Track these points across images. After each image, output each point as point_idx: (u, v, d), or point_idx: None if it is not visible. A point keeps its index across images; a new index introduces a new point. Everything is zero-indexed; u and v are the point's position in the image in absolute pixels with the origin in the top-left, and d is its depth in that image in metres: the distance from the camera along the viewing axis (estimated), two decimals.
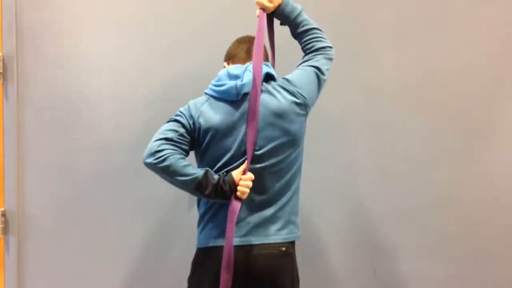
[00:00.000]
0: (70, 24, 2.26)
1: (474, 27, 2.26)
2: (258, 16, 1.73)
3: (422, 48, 2.27)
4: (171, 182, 1.61)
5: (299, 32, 1.78)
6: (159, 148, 1.59)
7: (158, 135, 1.63)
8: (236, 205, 1.60)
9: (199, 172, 1.59)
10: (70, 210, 2.26)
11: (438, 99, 2.27)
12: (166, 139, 1.61)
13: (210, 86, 1.72)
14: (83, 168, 2.26)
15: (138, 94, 2.26)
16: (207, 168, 1.62)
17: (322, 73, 1.74)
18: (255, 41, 1.68)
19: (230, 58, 1.79)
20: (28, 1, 2.26)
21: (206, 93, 1.72)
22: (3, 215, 2.25)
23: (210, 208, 1.68)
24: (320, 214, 2.25)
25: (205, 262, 1.65)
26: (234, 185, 1.59)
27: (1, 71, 2.24)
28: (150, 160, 1.59)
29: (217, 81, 1.70)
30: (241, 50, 1.77)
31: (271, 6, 1.73)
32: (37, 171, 2.26)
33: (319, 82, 1.73)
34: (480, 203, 2.27)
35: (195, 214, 1.78)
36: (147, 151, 1.61)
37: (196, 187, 1.58)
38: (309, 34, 1.77)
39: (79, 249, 2.26)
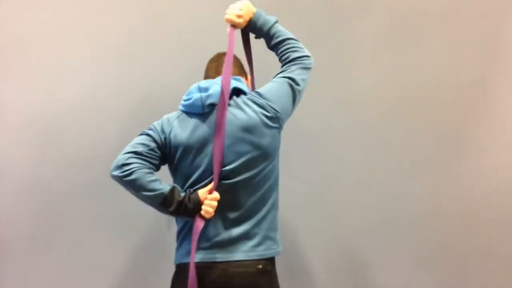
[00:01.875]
0: (44, 37, 2.24)
1: (451, 40, 2.29)
2: (228, 33, 1.72)
3: (400, 61, 2.28)
4: (137, 196, 1.60)
5: (273, 44, 1.76)
6: (127, 162, 1.58)
7: (127, 148, 1.62)
8: (199, 224, 1.58)
9: (166, 188, 1.58)
10: (46, 229, 2.22)
11: (416, 111, 2.28)
12: (135, 152, 1.60)
13: (182, 100, 1.71)
14: (58, 185, 2.22)
15: (114, 109, 2.24)
16: (174, 185, 1.61)
17: (297, 84, 1.69)
18: (225, 58, 1.67)
19: (204, 79, 1.79)
20: (2, 14, 2.23)
21: (179, 109, 1.72)
22: None
23: (186, 224, 1.65)
24: (300, 228, 2.24)
25: (180, 278, 1.63)
26: (198, 204, 1.58)
27: None
28: (116, 172, 1.58)
29: (187, 94, 1.70)
30: (210, 69, 1.77)
31: (241, 21, 1.72)
32: (10, 189, 2.22)
33: (294, 93, 1.70)
34: (460, 214, 2.27)
35: (174, 230, 1.74)
36: (114, 163, 1.59)
37: (161, 202, 1.57)
38: (284, 45, 1.74)
39: (56, 269, 2.22)
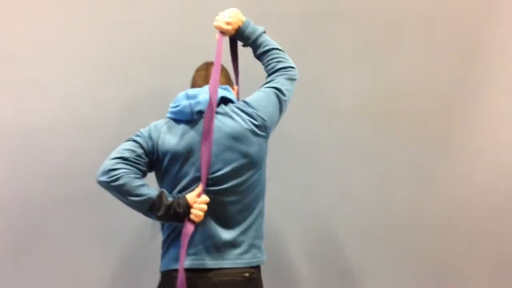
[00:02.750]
0: (21, 46, 2.22)
1: (429, 47, 2.32)
2: (217, 40, 1.74)
3: (381, 69, 2.31)
4: (124, 202, 1.59)
5: (259, 53, 1.79)
6: (114, 167, 1.57)
7: (114, 153, 1.61)
8: (189, 228, 1.58)
9: (153, 192, 1.57)
10: (27, 241, 2.19)
11: (398, 117, 2.31)
12: (122, 158, 1.59)
13: (169, 108, 1.71)
14: (39, 197, 2.19)
15: (94, 120, 2.22)
16: (162, 189, 1.61)
17: (283, 94, 1.73)
18: (214, 64, 1.69)
19: (191, 87, 1.79)
20: None
21: (166, 117, 1.72)
22: None
23: (173, 231, 1.65)
24: (284, 236, 2.24)
25: (166, 285, 1.62)
26: (187, 208, 1.57)
27: None
28: (103, 178, 1.57)
29: (174, 102, 1.71)
30: (198, 77, 1.78)
31: (229, 28, 1.75)
32: None
33: (280, 103, 1.73)
34: (441, 220, 2.30)
35: (158, 241, 1.74)
36: (101, 169, 1.58)
37: (149, 207, 1.56)
38: (270, 55, 1.78)
39: (38, 282, 2.18)
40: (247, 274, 1.61)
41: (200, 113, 1.65)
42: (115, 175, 1.55)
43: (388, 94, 2.31)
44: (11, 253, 2.19)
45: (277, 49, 1.79)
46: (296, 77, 1.79)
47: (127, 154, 1.60)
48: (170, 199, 1.58)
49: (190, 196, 1.58)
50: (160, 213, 1.56)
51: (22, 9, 2.22)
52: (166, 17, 2.26)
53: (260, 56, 1.79)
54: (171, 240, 1.65)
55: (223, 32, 1.75)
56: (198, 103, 1.64)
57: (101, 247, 2.20)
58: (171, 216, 1.57)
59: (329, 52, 2.31)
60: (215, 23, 1.75)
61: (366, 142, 2.29)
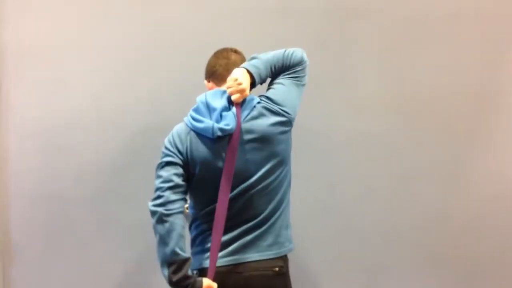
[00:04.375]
0: (53, 48, 2.26)
1: (454, 44, 2.27)
2: (236, 109, 1.65)
3: (406, 66, 2.28)
4: (156, 235, 1.59)
5: (278, 71, 1.72)
6: (172, 198, 1.58)
7: (164, 184, 1.60)
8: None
9: (183, 254, 1.57)
10: (56, 236, 2.25)
11: (422, 115, 2.28)
12: (174, 187, 1.60)
13: (189, 116, 1.68)
14: (67, 193, 2.24)
15: (121, 119, 2.25)
16: (189, 257, 1.61)
17: (299, 80, 1.72)
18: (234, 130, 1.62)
19: (210, 76, 1.76)
20: (11, 26, 2.25)
21: (186, 124, 1.68)
22: None
23: (200, 233, 1.68)
24: (306, 232, 2.24)
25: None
26: None
27: None
28: (160, 209, 1.57)
29: (196, 111, 1.67)
30: (219, 66, 1.74)
31: (248, 92, 1.66)
32: (21, 197, 2.25)
33: (299, 90, 1.72)
34: (468, 220, 2.27)
35: (186, 239, 1.73)
36: (160, 200, 1.58)
37: (171, 261, 1.56)
38: (284, 61, 1.71)
39: (66, 275, 2.25)
40: (276, 269, 1.63)
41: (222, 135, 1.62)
42: (172, 209, 1.57)
43: (414, 91, 2.28)
44: (41, 247, 2.25)
45: (282, 54, 1.71)
46: (305, 58, 1.73)
47: (175, 180, 1.61)
48: (190, 273, 1.58)
49: (206, 283, 1.58)
50: (175, 278, 1.56)
51: (49, 12, 2.26)
52: (190, 17, 2.27)
53: (279, 70, 1.72)
54: (200, 240, 1.68)
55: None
56: (220, 129, 1.60)
57: (128, 243, 2.24)
58: (181, 286, 1.57)
59: (353, 49, 2.28)
60: (234, 98, 1.63)
61: (391, 139, 2.27)
